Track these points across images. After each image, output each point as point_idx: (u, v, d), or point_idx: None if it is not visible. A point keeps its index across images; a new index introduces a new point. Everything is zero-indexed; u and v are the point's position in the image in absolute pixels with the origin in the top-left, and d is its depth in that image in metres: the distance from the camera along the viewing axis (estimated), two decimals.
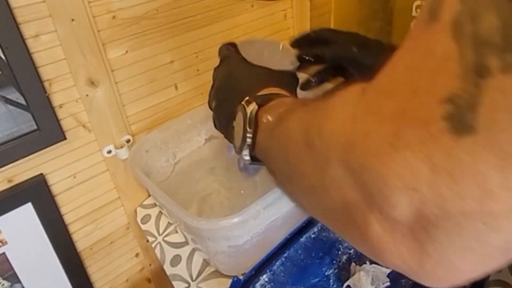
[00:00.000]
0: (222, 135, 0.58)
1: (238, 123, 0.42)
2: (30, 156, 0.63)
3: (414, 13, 0.73)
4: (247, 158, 0.41)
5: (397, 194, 0.19)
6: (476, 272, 0.20)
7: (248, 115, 0.40)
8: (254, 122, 0.39)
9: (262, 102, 0.41)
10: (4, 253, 0.65)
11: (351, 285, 0.55)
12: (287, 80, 0.50)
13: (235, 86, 0.48)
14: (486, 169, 0.16)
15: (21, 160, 0.63)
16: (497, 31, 0.16)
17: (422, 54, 0.19)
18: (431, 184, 0.18)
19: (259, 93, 0.44)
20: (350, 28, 0.89)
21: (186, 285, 0.64)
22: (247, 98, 0.42)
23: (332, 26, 0.93)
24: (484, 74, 0.16)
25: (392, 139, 0.19)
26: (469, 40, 0.17)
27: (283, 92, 0.44)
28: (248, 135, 0.39)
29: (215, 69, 0.55)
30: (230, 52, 0.55)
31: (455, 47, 0.17)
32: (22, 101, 0.59)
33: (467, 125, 0.16)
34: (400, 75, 0.20)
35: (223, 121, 0.49)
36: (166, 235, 0.73)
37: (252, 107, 0.40)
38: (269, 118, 0.38)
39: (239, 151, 0.41)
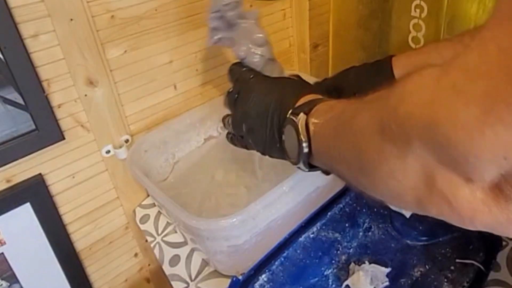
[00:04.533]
0: (221, 135, 0.58)
1: (289, 136, 0.44)
2: (29, 156, 0.63)
3: (413, 13, 0.73)
4: (305, 167, 0.43)
5: (486, 163, 0.22)
6: None
7: (299, 124, 0.41)
8: (306, 130, 0.41)
9: (309, 109, 0.42)
10: (2, 253, 0.65)
11: (350, 285, 0.55)
12: (315, 87, 0.52)
13: (270, 103, 0.48)
14: None
15: (19, 160, 0.63)
16: None
17: None
18: None
19: (298, 103, 0.45)
20: (349, 28, 0.89)
21: (185, 285, 0.64)
22: (291, 111, 0.44)
23: (331, 26, 0.93)
24: None
25: (482, 116, 0.20)
26: None
27: (319, 96, 0.45)
28: (304, 144, 0.41)
29: (230, 93, 0.55)
30: (246, 72, 0.56)
31: None
32: (21, 101, 0.59)
33: None
34: (493, 57, 0.21)
35: (264, 141, 0.50)
36: (165, 235, 0.73)
37: (301, 116, 0.41)
38: (321, 120, 0.40)
39: (297, 162, 0.43)
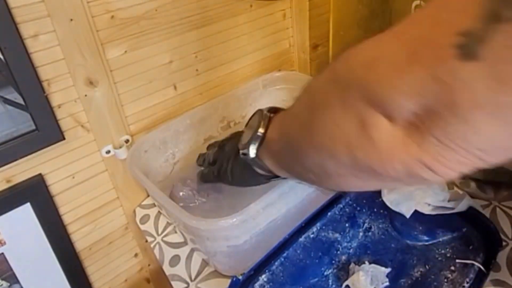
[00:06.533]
0: (220, 135, 0.60)
1: (250, 126, 0.49)
2: (29, 156, 0.63)
3: None
4: (253, 152, 0.48)
5: (403, 98, 0.25)
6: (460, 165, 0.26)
7: (263, 114, 0.47)
8: (267, 120, 0.47)
9: (275, 112, 0.48)
10: (2, 253, 0.65)
11: (350, 285, 0.55)
12: None
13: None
14: (480, 87, 0.21)
15: (19, 160, 0.63)
16: None
17: None
18: (433, 91, 0.23)
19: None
20: (349, 28, 0.89)
21: (185, 285, 0.64)
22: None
23: (331, 26, 0.93)
24: (496, 20, 0.20)
25: (407, 56, 0.24)
26: None
27: None
28: (260, 130, 0.46)
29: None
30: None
31: None
32: (21, 101, 0.59)
33: (473, 54, 0.21)
34: (430, 10, 0.25)
35: (228, 156, 0.58)
36: (165, 235, 0.73)
37: (266, 112, 0.48)
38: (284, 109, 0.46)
39: (246, 147, 0.48)
